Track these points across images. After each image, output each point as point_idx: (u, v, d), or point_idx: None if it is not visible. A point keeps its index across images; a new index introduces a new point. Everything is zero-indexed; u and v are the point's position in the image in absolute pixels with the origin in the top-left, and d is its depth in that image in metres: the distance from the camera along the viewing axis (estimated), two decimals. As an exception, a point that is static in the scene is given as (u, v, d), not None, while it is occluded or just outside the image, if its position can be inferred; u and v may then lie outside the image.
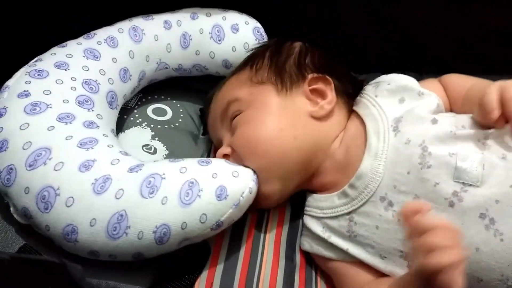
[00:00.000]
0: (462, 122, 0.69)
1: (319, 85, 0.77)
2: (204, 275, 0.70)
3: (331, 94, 0.77)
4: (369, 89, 0.79)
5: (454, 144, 0.66)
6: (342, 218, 0.71)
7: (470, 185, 0.63)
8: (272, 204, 0.78)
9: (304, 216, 0.76)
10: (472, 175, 0.63)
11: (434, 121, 0.69)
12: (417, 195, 0.65)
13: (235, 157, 0.73)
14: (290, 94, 0.76)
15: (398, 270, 0.66)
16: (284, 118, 0.74)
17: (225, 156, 0.74)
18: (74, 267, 0.55)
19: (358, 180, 0.70)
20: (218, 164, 0.68)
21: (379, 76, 0.83)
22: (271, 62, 0.79)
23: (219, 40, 0.90)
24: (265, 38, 0.91)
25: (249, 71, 0.80)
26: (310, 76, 0.77)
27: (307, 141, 0.73)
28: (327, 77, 0.77)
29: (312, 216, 0.75)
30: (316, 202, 0.75)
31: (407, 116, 0.71)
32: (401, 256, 0.65)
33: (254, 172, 0.69)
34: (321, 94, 0.77)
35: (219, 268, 0.71)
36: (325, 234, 0.72)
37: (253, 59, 0.82)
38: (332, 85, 0.77)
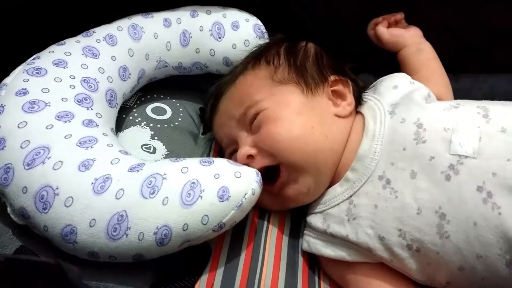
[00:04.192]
0: (458, 101, 0.73)
1: (339, 87, 0.80)
2: (205, 276, 0.69)
3: (350, 96, 0.80)
4: (369, 92, 0.83)
5: (449, 119, 0.68)
6: (342, 203, 0.72)
7: (467, 157, 0.64)
8: (295, 206, 0.78)
9: (307, 215, 0.77)
10: (467, 147, 0.64)
11: (428, 102, 0.74)
12: (414, 170, 0.66)
13: (262, 155, 0.73)
14: (315, 95, 0.77)
15: (397, 250, 0.66)
16: (312, 117, 0.75)
17: (249, 157, 0.73)
18: (71, 269, 0.54)
19: (358, 162, 0.72)
20: (220, 164, 0.67)
21: (374, 75, 0.90)
22: (289, 61, 0.80)
23: (220, 38, 0.89)
24: (266, 35, 0.91)
25: (266, 67, 0.80)
26: (332, 78, 0.79)
27: (337, 139, 0.75)
28: (347, 79, 0.80)
29: (315, 213, 0.75)
30: (321, 198, 0.75)
31: (403, 101, 0.74)
32: (399, 236, 0.66)
33: (258, 173, 0.67)
34: (341, 96, 0.80)
35: (220, 270, 0.70)
36: (324, 225, 0.72)
37: (266, 55, 0.82)
38: (351, 87, 0.80)
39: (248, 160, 0.73)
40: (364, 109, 0.78)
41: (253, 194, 0.65)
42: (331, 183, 0.75)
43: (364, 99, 0.81)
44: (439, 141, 0.66)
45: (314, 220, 0.74)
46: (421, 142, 0.67)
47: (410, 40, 0.90)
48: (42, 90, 0.72)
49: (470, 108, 0.70)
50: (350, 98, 0.79)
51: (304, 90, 0.77)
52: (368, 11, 0.95)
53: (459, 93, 0.89)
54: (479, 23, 0.92)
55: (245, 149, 0.74)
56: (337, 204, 0.72)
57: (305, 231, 0.77)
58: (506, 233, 0.59)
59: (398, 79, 0.81)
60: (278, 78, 0.78)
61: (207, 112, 0.87)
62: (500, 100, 0.86)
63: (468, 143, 0.64)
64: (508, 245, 0.59)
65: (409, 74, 0.84)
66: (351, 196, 0.71)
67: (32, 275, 0.54)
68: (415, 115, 0.70)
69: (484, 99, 0.84)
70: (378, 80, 0.84)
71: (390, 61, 0.93)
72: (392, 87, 0.78)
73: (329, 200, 0.74)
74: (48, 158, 0.66)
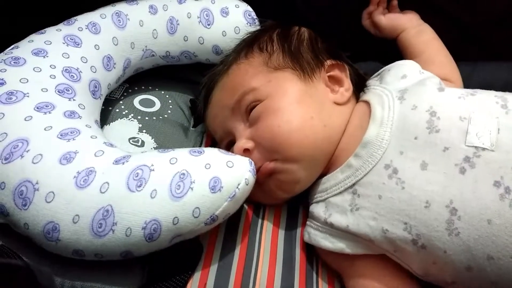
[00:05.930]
0: (474, 89, 0.70)
1: (336, 72, 0.78)
2: (197, 275, 0.67)
3: (347, 81, 0.78)
4: (373, 81, 0.80)
5: (465, 108, 0.65)
6: (345, 192, 0.69)
7: (484, 149, 0.61)
8: (287, 198, 0.76)
9: (310, 204, 0.74)
10: (485, 138, 0.61)
11: (441, 89, 0.70)
12: (425, 161, 0.63)
13: (259, 150, 0.71)
14: (312, 81, 0.75)
15: (401, 244, 0.63)
16: (311, 106, 0.73)
17: (246, 151, 0.71)
18: (41, 271, 0.52)
19: (363, 149, 0.69)
20: (211, 153, 0.64)
21: (375, 63, 0.89)
22: (283, 47, 0.78)
23: (208, 25, 0.87)
24: (257, 22, 0.89)
25: (260, 55, 0.78)
26: (328, 62, 0.77)
27: (335, 129, 0.73)
28: (344, 63, 0.78)
29: (317, 202, 0.73)
30: (321, 186, 0.73)
31: (413, 87, 0.71)
32: (405, 229, 0.62)
33: (251, 162, 0.65)
34: (338, 81, 0.78)
35: (213, 268, 0.68)
36: (326, 214, 0.70)
37: (259, 42, 0.79)
38: (348, 71, 0.78)
39: (245, 155, 0.71)
40: (369, 96, 0.75)
41: (247, 184, 0.63)
42: (331, 169, 0.73)
43: (369, 88, 0.78)
44: (455, 131, 0.63)
45: (317, 209, 0.72)
46: (434, 131, 0.64)
47: (409, 22, 0.89)
48: (20, 81, 0.70)
49: (488, 97, 0.67)
50: (348, 84, 0.77)
51: (301, 76, 0.74)
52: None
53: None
54: (477, 7, 0.90)
55: (242, 142, 0.72)
56: (340, 193, 0.70)
57: (307, 222, 0.74)
58: None
59: (406, 68, 0.77)
60: (273, 64, 0.76)
61: (200, 104, 0.85)
62: (499, 88, 0.85)
63: (485, 135, 0.61)
64: None
65: (412, 58, 0.82)
66: (354, 184, 0.68)
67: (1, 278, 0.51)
68: (428, 102, 0.67)
69: (483, 87, 0.84)
70: (384, 68, 0.80)
71: (388, 47, 0.92)
72: (400, 77, 0.75)
73: (330, 187, 0.71)
74: (27, 151, 0.63)
